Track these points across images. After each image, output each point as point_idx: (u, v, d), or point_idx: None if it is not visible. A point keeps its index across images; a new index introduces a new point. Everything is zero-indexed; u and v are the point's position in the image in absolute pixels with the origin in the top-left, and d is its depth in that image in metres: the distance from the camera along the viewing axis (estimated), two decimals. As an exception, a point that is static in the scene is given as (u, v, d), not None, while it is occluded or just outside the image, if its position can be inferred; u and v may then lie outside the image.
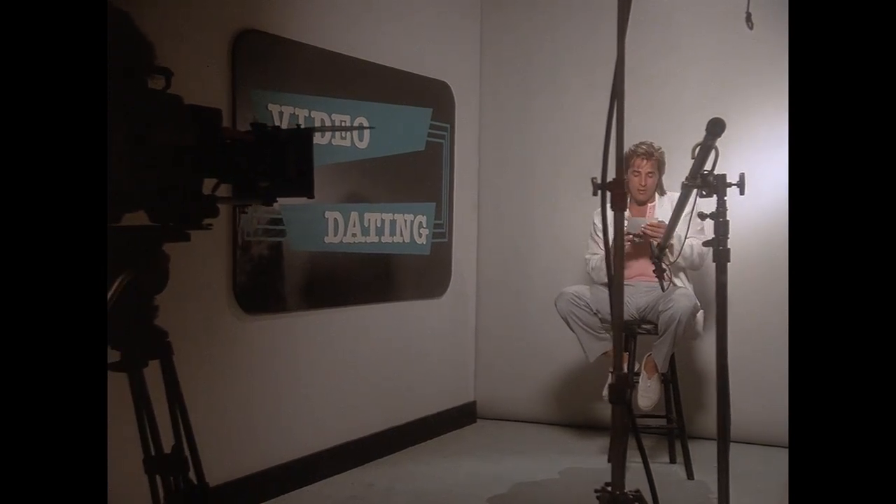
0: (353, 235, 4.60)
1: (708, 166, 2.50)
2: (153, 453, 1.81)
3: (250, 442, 4.00)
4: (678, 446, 4.69)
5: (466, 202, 5.64)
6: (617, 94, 2.00)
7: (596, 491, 2.11)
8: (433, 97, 5.23)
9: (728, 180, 2.63)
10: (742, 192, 2.58)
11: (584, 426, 5.50)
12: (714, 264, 2.60)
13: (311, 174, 2.08)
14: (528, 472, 4.58)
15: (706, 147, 2.46)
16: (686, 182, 2.51)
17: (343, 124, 4.49)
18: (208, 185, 1.97)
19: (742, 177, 2.55)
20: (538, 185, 5.67)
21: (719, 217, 2.51)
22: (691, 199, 2.66)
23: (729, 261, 2.58)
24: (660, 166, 4.71)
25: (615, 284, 2.07)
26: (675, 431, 4.64)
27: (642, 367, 4.52)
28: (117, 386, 1.81)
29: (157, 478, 1.87)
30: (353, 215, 4.59)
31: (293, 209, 4.17)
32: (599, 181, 2.02)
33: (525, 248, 5.71)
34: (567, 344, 5.50)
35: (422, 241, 5.16)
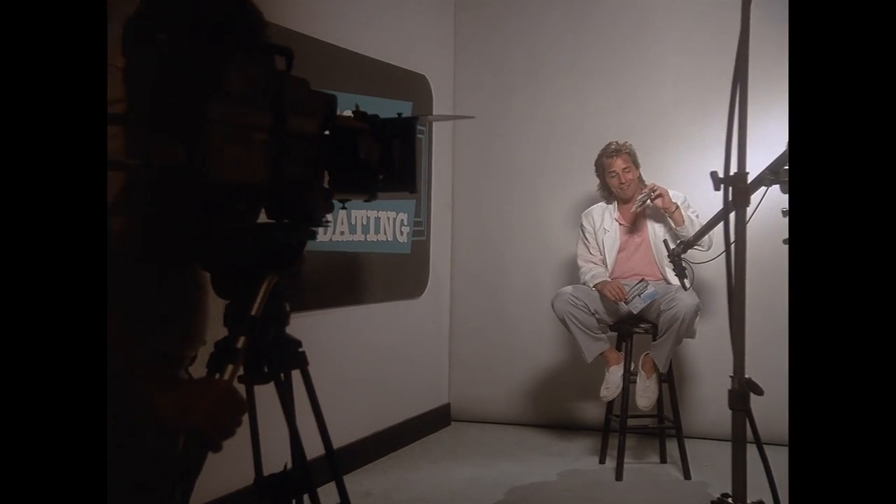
0: (342, 233, 4.40)
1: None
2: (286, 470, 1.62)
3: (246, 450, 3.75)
4: (668, 447, 4.66)
5: (442, 199, 5.49)
6: (740, 78, 1.89)
7: (713, 502, 2.00)
8: (413, 90, 5.06)
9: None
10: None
11: (561, 427, 5.40)
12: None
13: (414, 167, 1.91)
14: (523, 475, 4.46)
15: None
16: (769, 176, 2.41)
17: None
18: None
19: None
20: (515, 182, 5.55)
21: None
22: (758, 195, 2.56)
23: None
24: (633, 160, 4.65)
25: (737, 280, 1.97)
26: (669, 431, 4.60)
27: (640, 367, 4.46)
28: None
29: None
30: (341, 212, 4.39)
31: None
32: (721, 175, 1.91)
33: (501, 246, 5.58)
34: (543, 343, 5.42)
35: (403, 239, 4.99)
